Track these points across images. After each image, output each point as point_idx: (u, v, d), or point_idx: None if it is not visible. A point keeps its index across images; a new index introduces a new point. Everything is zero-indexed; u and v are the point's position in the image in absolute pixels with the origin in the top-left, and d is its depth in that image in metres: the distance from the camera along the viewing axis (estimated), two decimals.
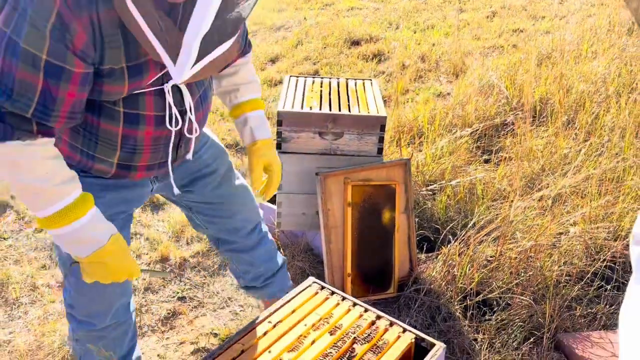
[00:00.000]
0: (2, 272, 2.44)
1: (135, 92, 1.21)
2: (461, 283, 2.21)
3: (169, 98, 1.27)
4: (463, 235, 2.35)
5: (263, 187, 1.60)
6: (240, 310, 2.29)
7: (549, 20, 5.77)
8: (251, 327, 1.45)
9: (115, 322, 1.55)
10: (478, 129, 3.27)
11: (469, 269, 2.22)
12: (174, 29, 1.08)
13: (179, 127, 1.32)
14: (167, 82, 1.26)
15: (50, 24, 1.01)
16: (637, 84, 3.61)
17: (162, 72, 1.23)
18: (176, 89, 1.29)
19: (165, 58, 1.11)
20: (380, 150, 2.32)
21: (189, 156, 1.46)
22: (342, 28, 6.01)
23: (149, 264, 2.54)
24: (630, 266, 2.32)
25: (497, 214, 2.47)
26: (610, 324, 2.17)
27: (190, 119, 1.34)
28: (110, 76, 1.13)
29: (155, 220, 2.86)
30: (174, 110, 1.29)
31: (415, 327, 2.06)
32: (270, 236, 1.90)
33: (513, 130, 3.26)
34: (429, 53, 5.24)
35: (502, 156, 3.04)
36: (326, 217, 2.20)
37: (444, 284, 2.24)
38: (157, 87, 1.25)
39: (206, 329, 2.19)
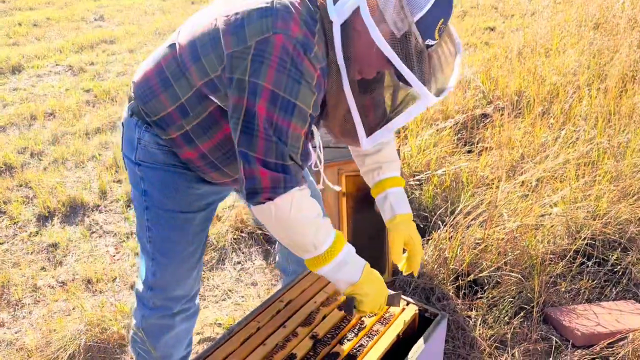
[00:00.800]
0: (2, 275, 2.46)
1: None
2: (452, 265, 2.32)
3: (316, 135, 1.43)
4: (452, 221, 2.46)
5: (404, 262, 1.61)
6: (242, 301, 2.36)
7: (518, 18, 5.98)
8: (265, 306, 1.53)
9: (187, 308, 1.60)
10: (459, 121, 3.40)
11: (459, 252, 2.33)
12: (379, 109, 1.32)
13: (311, 161, 1.44)
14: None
15: (315, 83, 1.19)
16: (605, 74, 3.80)
17: None
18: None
19: (361, 132, 1.29)
20: None
21: (320, 186, 1.61)
22: None
23: None
24: (610, 243, 2.47)
25: (482, 200, 2.59)
26: (593, 298, 2.30)
27: (318, 155, 1.48)
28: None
29: None
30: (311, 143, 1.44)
31: None
32: None
33: (492, 121, 3.40)
34: None
35: (483, 146, 3.17)
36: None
37: (436, 266, 2.35)
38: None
39: (210, 320, 2.25)
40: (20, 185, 3.22)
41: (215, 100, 1.27)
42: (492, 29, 6.14)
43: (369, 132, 1.30)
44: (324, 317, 1.50)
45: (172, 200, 1.44)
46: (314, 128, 1.39)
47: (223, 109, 1.27)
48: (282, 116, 1.16)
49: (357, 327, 1.47)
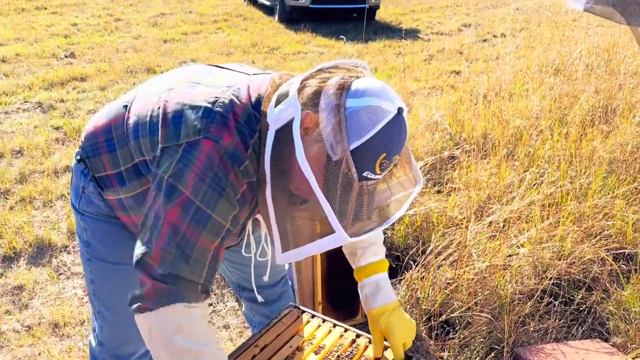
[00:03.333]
0: None
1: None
2: (425, 305, 2.35)
3: (249, 226, 1.38)
4: (423, 261, 2.50)
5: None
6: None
7: (482, 62, 6.23)
8: (240, 351, 1.53)
9: None
10: (428, 163, 3.49)
11: (431, 292, 2.37)
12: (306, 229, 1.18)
13: (253, 252, 1.44)
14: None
15: (238, 197, 1.13)
16: (566, 118, 3.98)
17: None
18: (254, 220, 1.40)
19: (278, 245, 1.19)
20: None
21: (265, 278, 1.59)
22: (290, 70, 6.23)
23: None
24: (575, 282, 2.54)
25: (452, 240, 2.65)
26: (561, 337, 2.36)
27: (263, 246, 1.46)
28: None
29: None
30: (252, 238, 1.41)
31: None
32: (291, 289, 1.92)
33: (459, 163, 3.50)
34: None
35: (451, 187, 3.25)
36: None
37: (408, 307, 2.37)
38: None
39: None
40: None
41: (151, 180, 1.22)
42: (457, 73, 6.37)
43: (285, 248, 1.19)
44: None
45: (114, 253, 1.39)
46: (260, 219, 1.35)
47: None
48: (192, 227, 1.08)
49: None
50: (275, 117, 1.08)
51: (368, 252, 1.51)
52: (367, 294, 1.50)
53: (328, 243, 1.08)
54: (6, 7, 9.69)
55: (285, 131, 1.06)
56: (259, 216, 1.35)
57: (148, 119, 1.20)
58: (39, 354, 2.20)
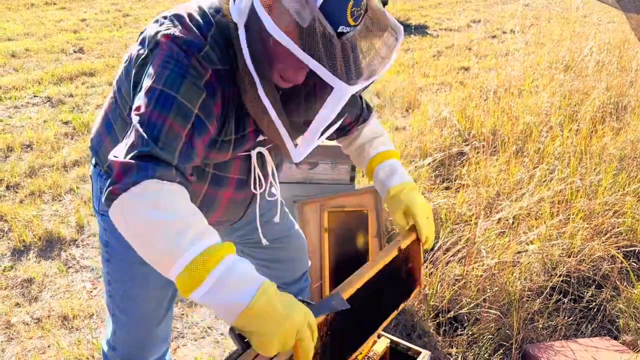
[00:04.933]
0: None
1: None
2: (433, 301, 2.34)
3: (255, 162, 1.35)
4: (431, 257, 2.50)
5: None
6: (222, 338, 2.34)
7: (492, 58, 6.19)
8: (248, 345, 1.52)
9: None
10: (436, 159, 3.48)
11: (439, 288, 2.36)
12: (298, 115, 1.16)
13: (261, 190, 1.39)
14: (254, 148, 1.33)
15: (204, 82, 1.09)
16: (576, 115, 3.95)
17: (257, 140, 1.29)
18: (259, 154, 1.37)
19: (289, 143, 1.15)
20: (352, 179, 2.46)
21: (276, 219, 1.56)
22: None
23: None
24: (585, 280, 2.53)
25: (460, 236, 2.64)
26: (570, 334, 2.34)
27: (271, 182, 1.43)
28: (220, 147, 1.20)
29: None
30: (258, 172, 1.36)
31: None
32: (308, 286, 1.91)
33: (468, 159, 3.49)
34: (382, 90, 5.50)
35: (460, 183, 3.24)
36: None
37: (416, 303, 2.37)
38: (245, 153, 1.33)
39: (189, 358, 2.22)
40: None
41: None
42: (466, 69, 6.33)
43: (294, 139, 1.17)
44: None
45: (132, 252, 1.34)
46: (265, 153, 1.36)
47: None
48: (158, 110, 1.04)
49: None
50: (238, 11, 1.08)
51: (376, 142, 1.49)
52: (382, 178, 1.45)
53: (332, 104, 1.06)
54: (16, 2, 9.74)
55: (252, 20, 1.06)
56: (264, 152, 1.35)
57: (123, 69, 1.25)
58: (49, 347, 2.22)
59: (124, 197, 0.96)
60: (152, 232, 0.95)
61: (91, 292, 2.61)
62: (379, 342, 1.56)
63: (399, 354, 1.58)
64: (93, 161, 1.42)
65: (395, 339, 1.58)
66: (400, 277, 1.41)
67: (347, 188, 2.47)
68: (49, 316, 2.42)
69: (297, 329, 0.93)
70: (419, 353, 1.54)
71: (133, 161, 0.98)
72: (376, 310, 1.33)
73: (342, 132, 1.52)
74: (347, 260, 2.40)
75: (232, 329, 0.98)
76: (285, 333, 0.92)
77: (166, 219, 0.95)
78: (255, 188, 1.37)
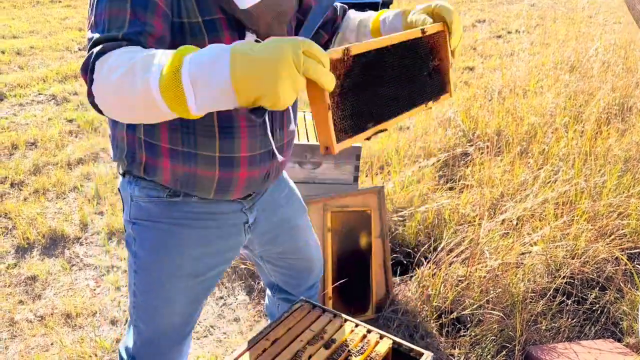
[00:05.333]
0: None
1: None
2: (436, 302, 2.34)
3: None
4: (434, 258, 2.49)
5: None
6: (224, 338, 2.34)
7: (497, 59, 6.17)
8: (251, 345, 1.53)
9: None
10: (440, 159, 3.47)
11: (443, 289, 2.35)
12: None
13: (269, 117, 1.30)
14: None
15: None
16: (581, 116, 3.93)
17: (233, 38, 1.21)
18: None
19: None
20: (356, 179, 2.46)
21: (291, 127, 1.41)
22: None
23: None
24: (589, 281, 2.52)
25: (464, 237, 2.63)
26: (573, 336, 2.34)
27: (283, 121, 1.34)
28: (191, 33, 1.13)
29: None
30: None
31: None
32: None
33: (472, 159, 3.48)
34: None
35: (464, 184, 3.23)
36: None
37: (419, 303, 2.36)
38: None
39: (191, 357, 2.22)
40: (0, 216, 3.18)
41: None
42: (471, 69, 6.32)
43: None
44: (309, 357, 1.50)
45: (161, 264, 1.37)
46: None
47: None
48: (96, 12, 1.04)
49: None
50: None
51: (366, 17, 1.44)
52: (391, 15, 1.36)
53: None
54: (21, 0, 9.77)
55: None
56: None
57: None
58: (52, 344, 2.22)
59: (93, 88, 0.96)
60: (123, 90, 0.92)
61: (94, 290, 2.61)
62: (382, 343, 1.56)
63: (402, 354, 1.57)
64: (120, 170, 1.39)
65: (398, 339, 1.57)
66: (428, 73, 1.28)
67: (350, 188, 2.46)
68: (52, 314, 2.43)
69: (294, 62, 0.83)
70: (421, 354, 1.54)
71: (87, 60, 0.97)
72: (405, 99, 1.21)
73: (331, 27, 1.49)
74: (350, 261, 2.40)
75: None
76: (284, 75, 0.82)
77: (124, 71, 0.91)
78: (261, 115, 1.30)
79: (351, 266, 2.41)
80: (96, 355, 2.13)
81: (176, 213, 1.35)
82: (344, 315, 1.66)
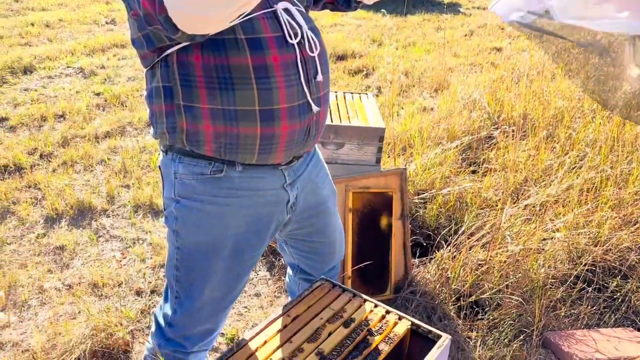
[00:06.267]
0: (9, 276, 2.49)
1: (248, 16, 1.23)
2: (455, 285, 2.35)
3: (283, 17, 1.29)
4: (455, 241, 2.50)
5: None
6: (245, 312, 2.39)
7: (525, 39, 6.04)
8: (272, 320, 1.57)
9: (203, 350, 1.59)
10: (463, 142, 3.45)
11: (462, 272, 2.36)
12: None
13: (298, 38, 1.30)
14: (273, 6, 1.29)
15: None
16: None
17: None
18: (287, 13, 1.31)
19: None
20: (378, 160, 2.46)
21: (319, 77, 1.40)
22: (327, 43, 6.18)
23: (154, 267, 2.62)
24: (610, 269, 2.50)
25: (485, 221, 2.63)
26: (592, 324, 2.33)
27: (309, 37, 1.34)
28: None
29: (157, 226, 2.95)
30: (289, 28, 1.28)
31: None
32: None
33: (497, 143, 3.44)
34: (411, 69, 5.44)
35: (487, 167, 3.21)
36: None
37: (438, 286, 2.38)
38: (269, 10, 1.28)
39: None
40: (29, 187, 3.26)
41: (164, 48, 1.22)
42: (498, 50, 6.21)
43: None
44: (329, 334, 1.53)
45: (203, 245, 1.42)
46: (291, 9, 1.31)
47: (178, 52, 1.24)
48: None
49: (361, 346, 1.50)
50: None
51: None
52: None
53: None
54: None
55: None
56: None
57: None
58: (79, 312, 2.30)
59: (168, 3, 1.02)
60: None
61: (120, 261, 2.68)
62: (400, 324, 1.58)
63: (420, 336, 1.60)
64: (162, 147, 1.41)
65: (416, 321, 1.60)
66: None
67: (372, 169, 2.47)
68: (79, 283, 2.51)
69: None
70: (439, 336, 1.56)
71: None
72: None
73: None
74: (370, 241, 2.42)
75: None
76: None
77: None
78: (291, 38, 1.29)
79: (371, 247, 2.43)
80: (121, 325, 2.20)
81: (220, 190, 1.38)
82: (363, 295, 1.69)
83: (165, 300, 1.56)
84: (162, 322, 1.55)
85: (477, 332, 2.21)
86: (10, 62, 5.18)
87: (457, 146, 3.36)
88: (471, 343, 2.17)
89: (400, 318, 1.62)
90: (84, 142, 3.79)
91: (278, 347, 1.48)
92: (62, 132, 3.92)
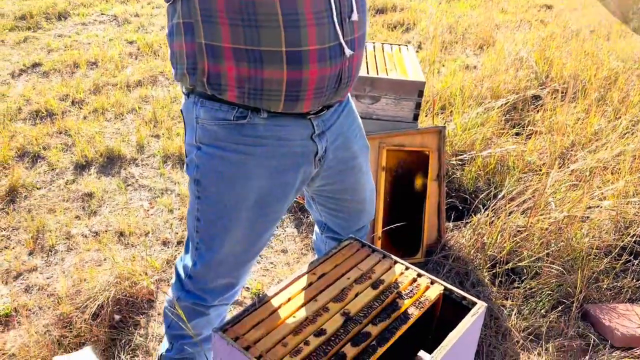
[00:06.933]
0: (38, 220, 2.49)
1: None
2: (490, 251, 2.23)
3: None
4: (493, 205, 2.36)
5: None
6: (271, 267, 2.33)
7: None
8: (297, 277, 1.49)
9: (224, 304, 1.53)
10: (508, 102, 3.25)
11: (499, 238, 2.24)
12: None
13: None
14: None
15: None
16: None
17: None
18: None
19: None
20: (416, 117, 2.32)
21: (355, 16, 1.25)
22: None
23: (181, 219, 2.58)
24: None
25: (527, 186, 2.48)
26: (636, 298, 2.19)
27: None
28: None
29: (186, 177, 2.90)
30: None
31: None
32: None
33: (543, 104, 3.24)
34: (455, 24, 5.17)
35: (532, 130, 3.03)
36: None
37: (473, 251, 2.27)
38: None
39: None
40: (60, 132, 3.25)
41: None
42: (549, 7, 5.85)
43: None
44: (356, 295, 1.45)
45: (225, 195, 1.32)
46: None
47: None
48: None
49: (390, 309, 1.42)
50: None
51: None
52: None
53: None
54: None
55: None
56: None
57: None
58: (104, 260, 2.28)
59: None
60: None
61: (148, 211, 2.65)
62: (432, 288, 1.48)
63: (453, 302, 1.50)
64: (184, 89, 1.31)
65: (449, 286, 1.50)
66: None
67: (409, 126, 2.34)
68: (106, 231, 2.49)
69: None
70: (474, 303, 1.46)
71: None
72: None
73: None
74: (403, 202, 2.31)
75: None
76: None
77: None
78: None
79: (403, 207, 2.32)
80: (146, 274, 2.17)
81: (244, 138, 1.28)
82: (393, 257, 1.59)
83: (186, 251, 1.49)
84: (182, 273, 1.49)
85: (513, 301, 2.10)
86: (45, 8, 5.14)
87: (500, 106, 3.17)
88: (505, 312, 2.06)
89: (432, 282, 1.52)
90: (116, 90, 3.74)
91: (302, 305, 1.40)
92: (94, 79, 3.87)
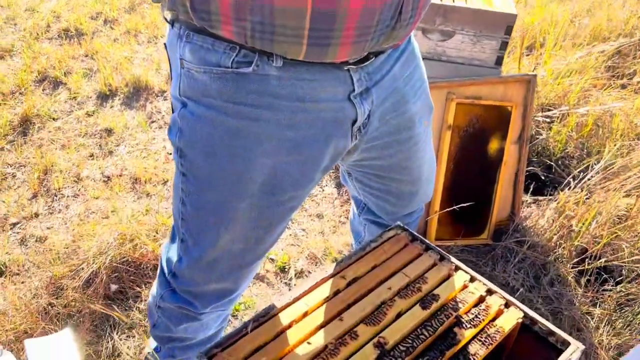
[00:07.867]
0: (47, 158, 2.20)
1: None
2: (579, 241, 1.76)
3: None
4: (587, 180, 1.86)
5: None
6: (302, 235, 1.96)
7: None
8: (318, 282, 1.09)
9: (216, 310, 1.17)
10: (613, 46, 2.63)
11: (593, 224, 1.76)
12: None
13: None
14: None
15: None
16: None
17: None
18: None
19: None
20: (499, 60, 1.80)
21: None
22: None
23: None
24: None
25: (633, 158, 1.95)
26: None
27: None
28: None
29: None
30: None
31: (514, 288, 1.67)
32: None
33: None
34: None
35: None
36: None
37: (555, 238, 1.80)
38: None
39: None
40: (86, 56, 2.91)
41: None
42: None
43: None
44: (398, 316, 1.04)
45: (218, 175, 0.93)
46: None
47: None
48: None
49: (444, 343, 1.00)
50: None
51: None
52: None
53: None
54: None
55: None
56: None
57: None
58: (112, 212, 1.97)
59: None
60: None
61: (170, 154, 2.31)
62: (507, 314, 1.05)
63: (533, 334, 1.07)
64: (168, 17, 0.90)
65: (531, 313, 1.06)
66: None
67: (489, 72, 1.82)
68: (120, 175, 2.17)
69: None
70: (566, 343, 1.02)
71: None
72: None
73: None
74: (470, 169, 1.85)
75: None
76: None
77: None
78: None
79: (471, 176, 1.86)
80: (157, 232, 1.85)
81: (246, 95, 0.86)
82: (455, 261, 1.16)
83: (172, 240, 1.11)
84: (165, 269, 1.12)
85: (603, 309, 1.65)
86: None
87: (603, 51, 2.56)
88: (592, 322, 1.62)
89: (507, 305, 1.09)
90: (152, 10, 3.35)
91: (322, 325, 1.01)
92: None
